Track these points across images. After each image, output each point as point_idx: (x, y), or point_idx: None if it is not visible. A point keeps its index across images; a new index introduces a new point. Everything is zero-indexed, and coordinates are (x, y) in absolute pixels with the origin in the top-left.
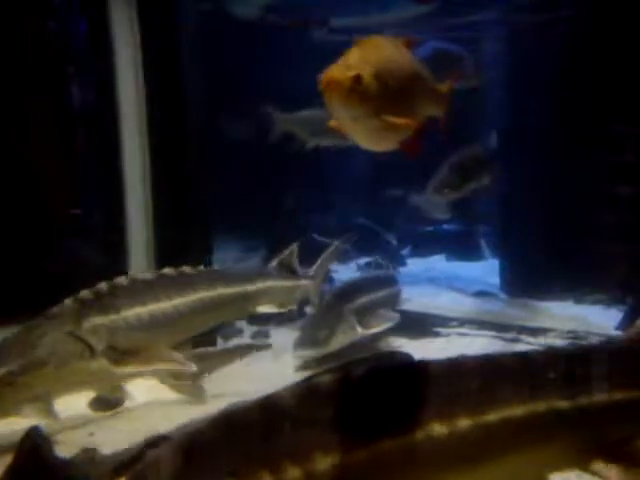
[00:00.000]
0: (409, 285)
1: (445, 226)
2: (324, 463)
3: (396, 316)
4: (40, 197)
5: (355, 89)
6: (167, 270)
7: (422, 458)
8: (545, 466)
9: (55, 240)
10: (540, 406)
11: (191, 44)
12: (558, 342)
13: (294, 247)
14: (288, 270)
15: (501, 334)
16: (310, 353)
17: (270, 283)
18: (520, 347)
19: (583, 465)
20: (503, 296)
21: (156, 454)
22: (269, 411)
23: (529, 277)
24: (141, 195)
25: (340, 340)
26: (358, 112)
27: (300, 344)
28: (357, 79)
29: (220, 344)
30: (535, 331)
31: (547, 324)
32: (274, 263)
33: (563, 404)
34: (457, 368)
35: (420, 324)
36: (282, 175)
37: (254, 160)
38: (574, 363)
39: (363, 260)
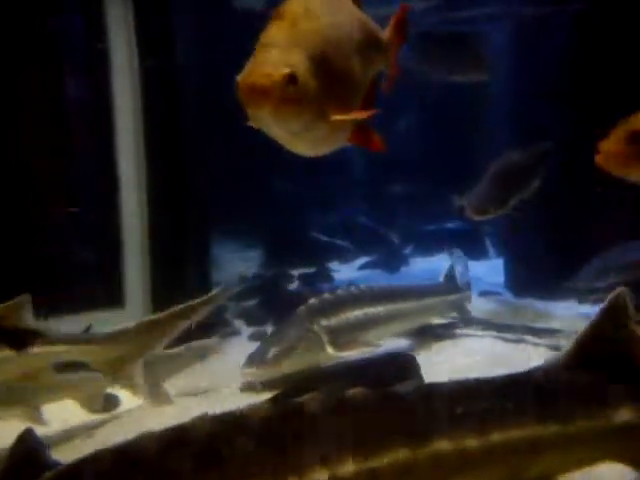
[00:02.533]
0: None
1: (449, 225)
2: None
3: (380, 345)
4: (37, 195)
5: (289, 95)
6: None
7: None
8: None
9: (49, 240)
10: (443, 445)
11: (189, 38)
12: (562, 343)
13: (24, 299)
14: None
15: (506, 334)
16: (255, 372)
17: None
18: (525, 348)
19: None
20: (508, 296)
21: None
22: (124, 461)
23: (534, 276)
24: (136, 193)
25: (298, 361)
26: (297, 124)
27: (248, 360)
28: (290, 78)
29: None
30: (540, 331)
31: (552, 324)
32: None
33: (471, 442)
34: (345, 403)
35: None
36: (281, 171)
37: (253, 156)
38: (483, 397)
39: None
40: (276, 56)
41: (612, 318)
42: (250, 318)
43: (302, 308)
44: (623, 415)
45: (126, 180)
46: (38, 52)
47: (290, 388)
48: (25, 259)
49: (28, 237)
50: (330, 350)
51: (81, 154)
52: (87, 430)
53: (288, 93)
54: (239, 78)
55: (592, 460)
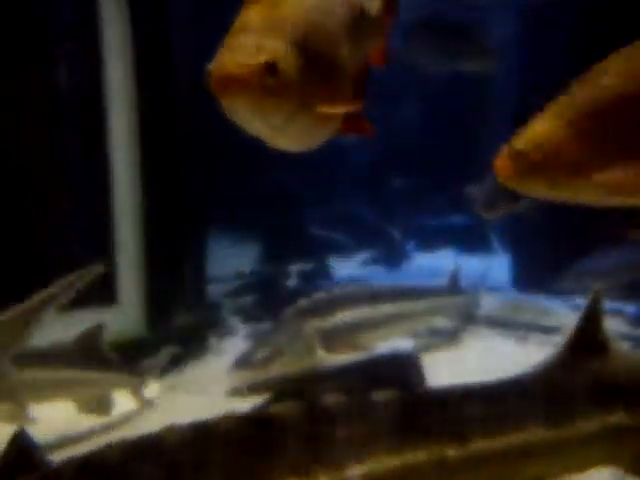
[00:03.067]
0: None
1: (453, 220)
2: None
3: (372, 346)
4: (28, 192)
5: (268, 86)
6: None
7: None
8: None
9: (41, 236)
10: (421, 455)
11: (185, 26)
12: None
13: None
14: None
15: (511, 332)
16: (242, 376)
17: None
18: (531, 345)
19: None
20: (514, 292)
21: None
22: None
23: (540, 273)
24: (131, 188)
25: (288, 363)
26: (278, 117)
27: (236, 363)
28: (269, 68)
29: (214, 344)
30: (545, 329)
31: (559, 322)
32: None
33: (451, 452)
34: (315, 414)
35: None
36: (279, 166)
37: (250, 151)
38: (465, 404)
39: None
40: (253, 42)
41: (590, 320)
42: (247, 316)
43: (291, 309)
44: (612, 417)
45: (120, 176)
46: (28, 43)
47: (280, 391)
48: (17, 257)
49: (20, 234)
50: (321, 352)
51: (73, 150)
52: (80, 432)
53: (267, 84)
54: (211, 67)
55: (584, 464)
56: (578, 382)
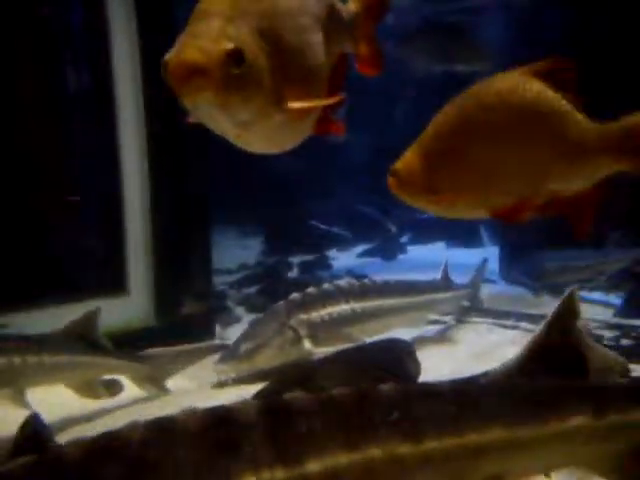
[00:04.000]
0: (409, 272)
1: None
2: None
3: (361, 339)
4: (40, 184)
5: (233, 77)
6: None
7: None
8: None
9: (52, 228)
10: (374, 452)
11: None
12: None
13: None
14: None
15: (500, 321)
16: (227, 368)
17: None
18: (519, 334)
19: None
20: (502, 283)
21: None
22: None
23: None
24: (139, 181)
25: (272, 356)
26: (245, 113)
27: (222, 356)
28: (234, 56)
29: (219, 332)
30: (534, 318)
31: (546, 311)
32: None
33: (404, 449)
34: (283, 409)
35: None
36: (281, 159)
37: None
38: (422, 401)
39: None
40: (216, 28)
41: (563, 319)
42: (251, 305)
43: (280, 303)
44: (576, 420)
45: (128, 168)
46: (38, 42)
47: (278, 381)
48: (29, 248)
49: (32, 226)
50: (308, 345)
51: (84, 143)
52: (76, 417)
53: (232, 74)
54: (167, 57)
55: (545, 465)
56: (546, 380)
